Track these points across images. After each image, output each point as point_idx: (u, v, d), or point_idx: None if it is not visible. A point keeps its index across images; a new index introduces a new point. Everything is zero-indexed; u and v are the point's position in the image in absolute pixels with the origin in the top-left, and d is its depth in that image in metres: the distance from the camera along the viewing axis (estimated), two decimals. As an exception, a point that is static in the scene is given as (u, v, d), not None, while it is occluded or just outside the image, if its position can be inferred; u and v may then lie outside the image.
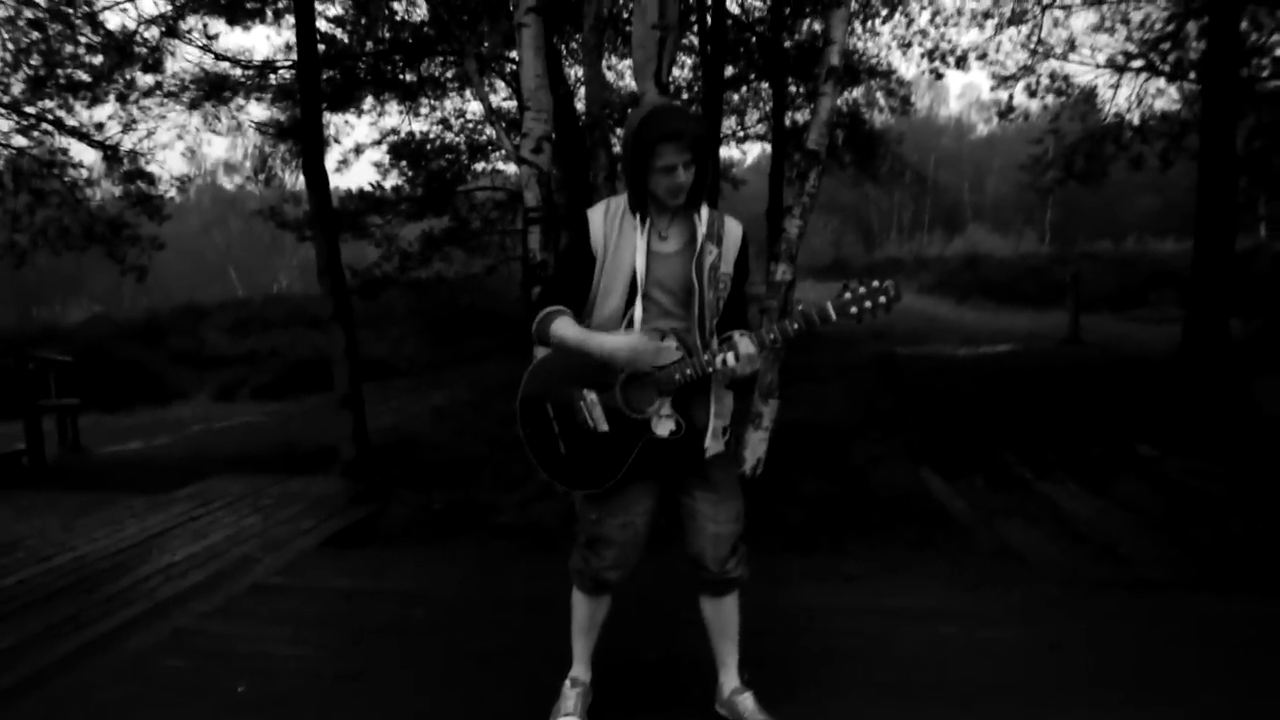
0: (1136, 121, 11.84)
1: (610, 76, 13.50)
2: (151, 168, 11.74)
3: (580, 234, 2.44)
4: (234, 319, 20.97)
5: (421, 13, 11.70)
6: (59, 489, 6.86)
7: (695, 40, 11.72)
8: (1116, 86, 11.77)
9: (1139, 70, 11.59)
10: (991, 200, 53.27)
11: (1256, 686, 2.89)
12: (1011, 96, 12.01)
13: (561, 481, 2.48)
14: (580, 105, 11.24)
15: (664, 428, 2.40)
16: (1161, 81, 11.71)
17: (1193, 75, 11.04)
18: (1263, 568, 4.13)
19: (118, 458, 9.01)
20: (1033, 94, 12.03)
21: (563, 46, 11.83)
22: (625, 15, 10.03)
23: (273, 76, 11.15)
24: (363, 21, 11.54)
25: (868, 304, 2.28)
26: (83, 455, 8.82)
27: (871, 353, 12.37)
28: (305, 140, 7.01)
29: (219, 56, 10.29)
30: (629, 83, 13.15)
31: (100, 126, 11.19)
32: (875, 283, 2.30)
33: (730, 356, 2.29)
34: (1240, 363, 8.65)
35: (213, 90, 10.85)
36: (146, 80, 10.59)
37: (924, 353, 12.57)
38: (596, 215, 2.46)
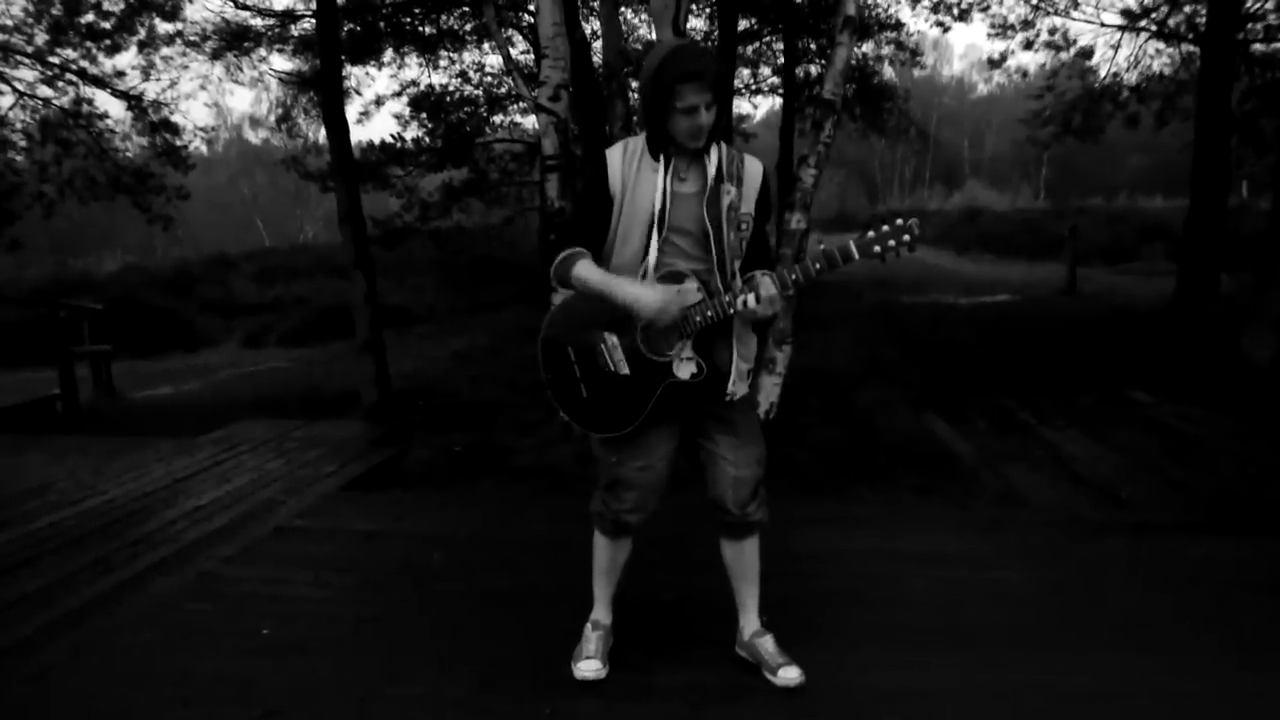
0: (1134, 81, 11.48)
1: (625, 28, 13.09)
2: (175, 118, 11.49)
3: (599, 175, 2.27)
4: (260, 268, 20.81)
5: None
6: (92, 433, 6.74)
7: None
8: (1116, 47, 11.39)
9: (1138, 31, 11.19)
10: (990, 157, 52.72)
11: (1260, 630, 2.79)
12: (1009, 50, 11.63)
13: (583, 425, 2.35)
14: (597, 57, 10.90)
15: (685, 370, 2.26)
16: (1159, 43, 11.31)
17: (1191, 37, 10.67)
18: (1256, 510, 4.05)
19: (149, 402, 8.93)
20: (1030, 46, 11.64)
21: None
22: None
23: (294, 28, 10.82)
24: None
25: (891, 243, 2.13)
26: (115, 399, 8.72)
27: (875, 301, 12.17)
28: (325, 91, 6.77)
29: (240, 5, 9.95)
30: (645, 33, 12.77)
31: (122, 75, 10.91)
32: (899, 221, 2.14)
33: (751, 298, 2.14)
34: (1228, 315, 8.47)
35: (234, 40, 10.52)
36: (167, 29, 10.29)
37: (926, 301, 12.37)
38: (615, 156, 2.28)
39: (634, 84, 11.89)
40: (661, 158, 2.23)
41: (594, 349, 2.28)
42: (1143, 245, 18.06)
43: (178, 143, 11.50)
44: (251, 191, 49.17)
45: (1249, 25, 9.63)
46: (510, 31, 12.67)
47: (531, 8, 11.04)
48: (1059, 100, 11.74)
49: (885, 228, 2.13)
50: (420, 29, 12.36)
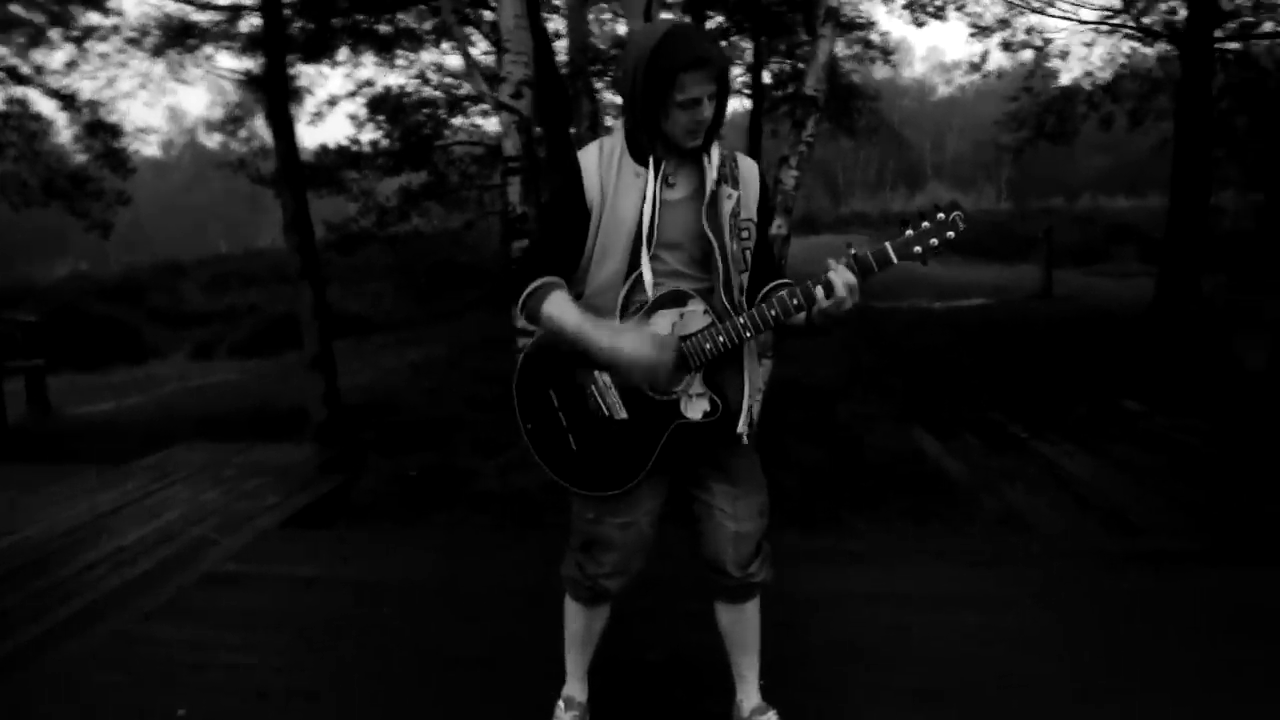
0: (1108, 79, 11.36)
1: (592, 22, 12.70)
2: (114, 119, 10.90)
3: (572, 183, 1.89)
4: (213, 275, 20.21)
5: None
6: (18, 457, 6.27)
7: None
8: (1091, 44, 11.27)
9: (1114, 29, 11.07)
10: (951, 159, 53.12)
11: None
12: (987, 51, 11.47)
13: (576, 484, 1.96)
14: (560, 57, 10.53)
15: (697, 409, 1.89)
16: (1135, 42, 11.20)
17: (1166, 35, 10.58)
18: (1269, 535, 3.78)
19: (86, 420, 8.42)
20: (1008, 47, 11.48)
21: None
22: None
23: (242, 24, 10.29)
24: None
25: (933, 241, 1.79)
26: (50, 417, 8.22)
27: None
28: (271, 90, 6.33)
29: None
30: (610, 28, 12.40)
31: (54, 72, 10.32)
32: (940, 215, 1.80)
33: (836, 283, 1.77)
34: (1218, 319, 8.32)
35: (177, 36, 9.96)
36: (104, 23, 9.72)
37: (901, 306, 12.14)
38: (590, 159, 1.90)
39: (601, 82, 11.56)
40: (650, 162, 1.87)
41: (582, 391, 1.91)
42: (1113, 246, 18.04)
43: (118, 145, 10.89)
44: (207, 197, 48.07)
45: (1226, 24, 9.51)
46: (469, 30, 12.25)
47: (492, 3, 10.69)
48: (1034, 102, 11.58)
49: (925, 224, 1.79)
50: (376, 27, 11.88)
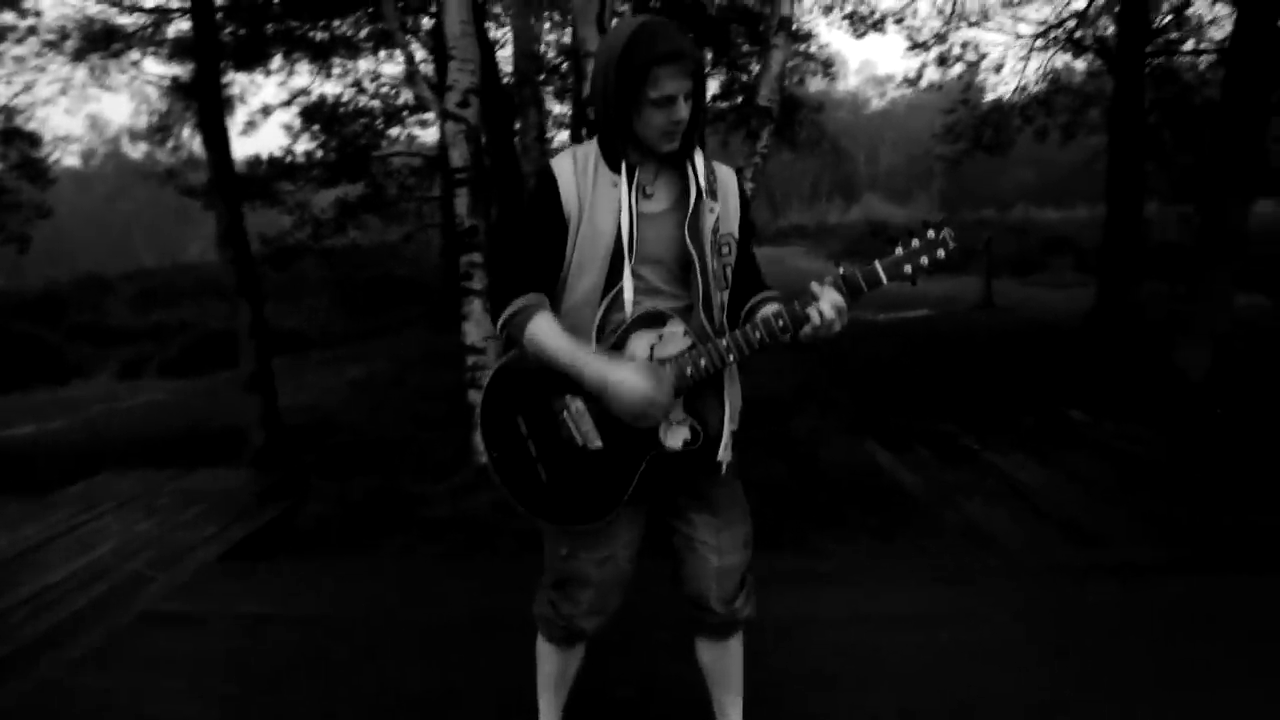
0: (1042, 93, 11.64)
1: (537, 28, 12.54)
2: (32, 126, 10.41)
3: (547, 193, 1.77)
4: (140, 290, 19.48)
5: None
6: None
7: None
8: (1026, 59, 11.53)
9: (1048, 45, 11.35)
10: (885, 171, 54.21)
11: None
12: (924, 65, 11.65)
13: (547, 517, 1.84)
14: (505, 66, 10.39)
15: (676, 437, 1.78)
16: (1067, 56, 11.51)
17: (1097, 49, 10.89)
18: (1236, 543, 3.85)
19: (4, 445, 7.96)
20: (944, 61, 11.68)
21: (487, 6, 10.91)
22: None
23: (170, 28, 9.92)
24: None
25: (924, 260, 1.71)
26: (-38, 443, 7.74)
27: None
28: (203, 98, 6.07)
29: (102, 0, 8.98)
30: (556, 37, 12.24)
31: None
32: (930, 233, 1.72)
33: (824, 307, 1.67)
34: (1158, 329, 8.53)
35: (99, 40, 9.53)
36: (19, 24, 9.24)
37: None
38: (565, 168, 1.79)
39: (549, 88, 11.40)
40: (623, 169, 1.77)
41: (554, 418, 1.79)
42: (1049, 257, 18.46)
43: (36, 155, 10.39)
44: (133, 208, 46.51)
45: (1156, 39, 9.80)
46: (409, 39, 12.02)
47: (432, 9, 10.48)
48: (970, 115, 11.80)
49: (916, 242, 1.72)
50: (311, 34, 11.58)
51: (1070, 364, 7.90)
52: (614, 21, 4.12)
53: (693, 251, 1.78)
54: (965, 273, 15.11)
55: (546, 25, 12.80)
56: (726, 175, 1.90)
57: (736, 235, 1.87)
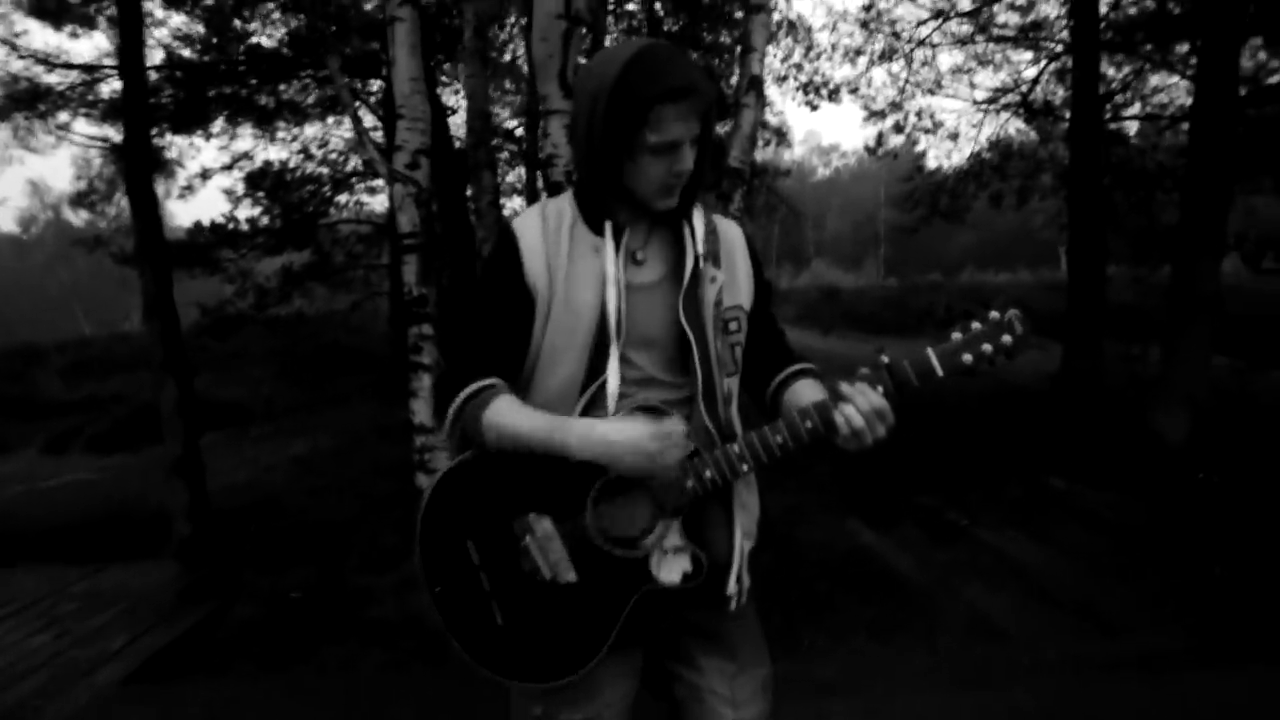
0: (996, 160, 11.71)
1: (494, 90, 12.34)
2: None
3: (505, 261, 1.41)
4: (73, 361, 18.53)
5: (280, 33, 10.34)
6: None
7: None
8: (979, 126, 11.60)
9: (1000, 110, 11.45)
10: (831, 237, 55.39)
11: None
12: (881, 133, 11.65)
13: (500, 671, 1.42)
14: (458, 131, 10.13)
15: (674, 569, 1.40)
16: (1020, 122, 11.62)
17: (1052, 116, 11.01)
18: (1246, 630, 3.59)
19: (-98, 535, 7.20)
20: (900, 129, 11.71)
21: (437, 72, 10.68)
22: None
23: (105, 89, 9.46)
24: (214, 41, 10.05)
25: (986, 348, 1.36)
26: None
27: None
28: (131, 157, 5.63)
29: (27, 57, 8.48)
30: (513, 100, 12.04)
31: None
32: (994, 314, 1.37)
33: (851, 415, 1.32)
34: (1124, 391, 8.39)
35: (24, 100, 9.00)
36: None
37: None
38: (530, 229, 1.43)
39: (503, 154, 11.12)
40: (608, 229, 1.41)
41: (513, 543, 1.39)
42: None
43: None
44: (71, 277, 45.31)
45: (1106, 104, 9.89)
46: (357, 103, 11.73)
47: (383, 72, 10.20)
48: (926, 181, 11.79)
49: (976, 325, 1.37)
50: (256, 98, 11.23)
51: (1043, 429, 7.67)
52: (584, 65, 3.82)
53: (689, 332, 1.42)
54: (919, 336, 15.06)
55: (499, 93, 12.66)
56: (731, 233, 1.55)
57: (746, 307, 1.52)
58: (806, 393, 1.48)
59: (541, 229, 1.43)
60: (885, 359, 1.38)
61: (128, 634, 3.68)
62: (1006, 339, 1.36)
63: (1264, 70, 8.81)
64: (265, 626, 3.98)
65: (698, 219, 1.48)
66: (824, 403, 1.36)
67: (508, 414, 1.34)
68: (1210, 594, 3.96)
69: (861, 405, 1.33)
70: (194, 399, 5.34)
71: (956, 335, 1.37)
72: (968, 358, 1.36)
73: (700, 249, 1.45)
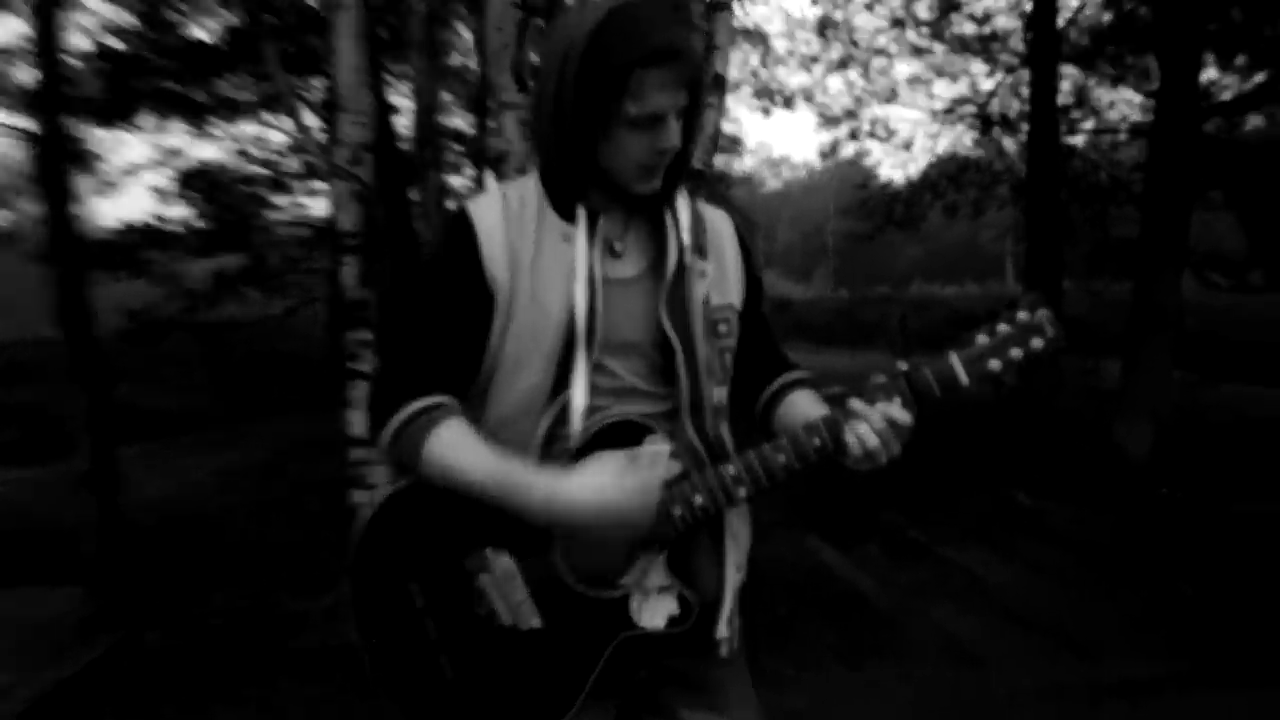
0: (952, 170, 11.82)
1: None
2: None
3: (460, 251, 1.20)
4: (-15, 366, 17.68)
5: (214, 25, 10.00)
6: None
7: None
8: (936, 136, 11.71)
9: (955, 121, 11.57)
10: (782, 249, 56.02)
11: None
12: (837, 141, 11.71)
13: None
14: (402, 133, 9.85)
15: (657, 612, 1.20)
16: (975, 134, 11.74)
17: (1009, 129, 11.14)
18: (1226, 652, 3.53)
19: None
20: (855, 136, 11.76)
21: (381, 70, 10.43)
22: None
23: (16, 75, 8.98)
24: (143, 32, 9.67)
25: (1015, 352, 1.20)
26: None
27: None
28: (42, 147, 5.30)
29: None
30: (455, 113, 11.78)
31: None
32: (1023, 314, 1.22)
33: (864, 434, 1.17)
34: (1081, 404, 8.46)
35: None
36: None
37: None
38: (489, 214, 1.22)
39: (453, 153, 10.84)
40: (581, 215, 1.21)
41: (467, 583, 1.18)
42: (954, 330, 18.74)
43: None
44: (-13, 276, 43.58)
45: (1064, 117, 10.01)
46: (297, 103, 11.40)
47: (325, 67, 9.89)
48: (881, 191, 11.87)
49: (1004, 328, 1.21)
50: (188, 93, 10.82)
51: (1003, 442, 7.67)
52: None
53: (674, 336, 1.23)
54: (870, 348, 15.16)
55: (450, 97, 12.41)
56: (719, 223, 1.38)
57: (738, 306, 1.35)
58: (805, 407, 1.31)
59: (503, 212, 1.23)
60: (905, 367, 1.21)
61: (19, 669, 3.34)
62: (1037, 343, 1.21)
63: (1215, 86, 8.96)
64: (181, 658, 3.68)
65: (682, 206, 1.30)
66: (833, 417, 1.19)
67: (456, 449, 1.14)
68: (1182, 615, 3.92)
69: (875, 421, 1.16)
70: (109, 408, 5.01)
71: (982, 339, 1.22)
72: (996, 364, 1.20)
73: (686, 239, 1.27)
